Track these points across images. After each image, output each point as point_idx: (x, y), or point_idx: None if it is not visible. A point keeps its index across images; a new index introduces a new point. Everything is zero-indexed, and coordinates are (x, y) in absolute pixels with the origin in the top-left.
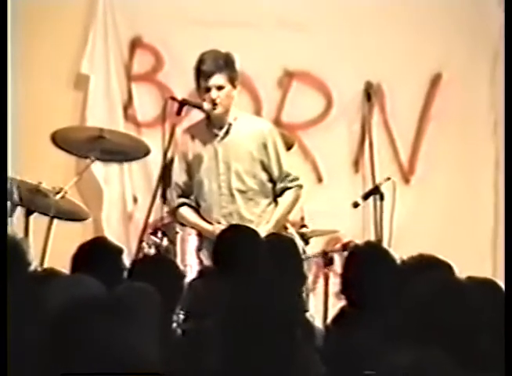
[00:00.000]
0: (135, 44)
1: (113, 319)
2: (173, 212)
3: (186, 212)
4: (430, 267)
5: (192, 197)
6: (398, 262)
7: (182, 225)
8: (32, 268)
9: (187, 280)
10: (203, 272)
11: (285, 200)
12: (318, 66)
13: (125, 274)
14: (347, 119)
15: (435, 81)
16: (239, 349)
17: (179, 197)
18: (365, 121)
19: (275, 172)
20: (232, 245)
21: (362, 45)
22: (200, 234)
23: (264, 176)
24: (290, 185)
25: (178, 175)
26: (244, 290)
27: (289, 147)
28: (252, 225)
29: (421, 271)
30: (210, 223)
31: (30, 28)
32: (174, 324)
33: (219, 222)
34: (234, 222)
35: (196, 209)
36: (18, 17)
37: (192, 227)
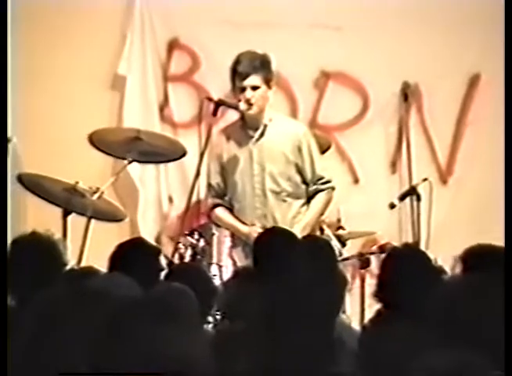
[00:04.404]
0: (172, 45)
1: (151, 320)
2: (208, 213)
3: (222, 213)
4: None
5: (226, 198)
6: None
7: (218, 226)
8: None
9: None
10: (238, 273)
11: (317, 202)
12: (354, 66)
13: (162, 275)
14: (384, 120)
15: (474, 81)
16: (274, 350)
17: (214, 198)
18: (403, 122)
19: (309, 175)
20: (271, 248)
21: (399, 46)
22: (233, 235)
23: (298, 178)
24: (322, 187)
25: (213, 177)
26: (284, 291)
27: (325, 149)
28: (286, 227)
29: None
30: (245, 224)
31: (69, 30)
32: (211, 325)
33: (254, 224)
34: (268, 224)
35: (231, 210)
36: (58, 20)
37: (227, 228)
